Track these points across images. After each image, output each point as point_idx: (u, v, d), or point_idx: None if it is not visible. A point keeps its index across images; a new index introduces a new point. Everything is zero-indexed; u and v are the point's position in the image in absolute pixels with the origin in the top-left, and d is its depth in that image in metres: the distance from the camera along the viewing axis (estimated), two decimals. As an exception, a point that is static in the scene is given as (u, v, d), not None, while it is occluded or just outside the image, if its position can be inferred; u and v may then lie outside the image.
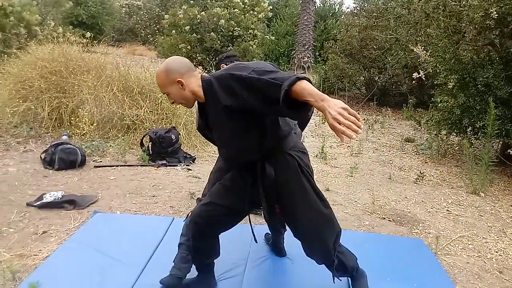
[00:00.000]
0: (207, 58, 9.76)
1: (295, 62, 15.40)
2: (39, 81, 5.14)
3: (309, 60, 15.15)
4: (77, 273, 2.30)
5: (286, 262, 2.67)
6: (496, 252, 3.08)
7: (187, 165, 4.56)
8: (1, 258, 2.52)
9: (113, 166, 4.33)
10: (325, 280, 2.48)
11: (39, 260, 2.53)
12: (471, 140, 5.27)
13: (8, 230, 2.87)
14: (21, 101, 5.06)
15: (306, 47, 15.16)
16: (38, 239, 2.77)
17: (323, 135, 6.39)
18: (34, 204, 3.24)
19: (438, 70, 5.40)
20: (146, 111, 5.21)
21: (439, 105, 5.35)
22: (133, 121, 5.17)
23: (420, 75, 5.53)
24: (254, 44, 10.28)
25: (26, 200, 3.33)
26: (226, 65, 2.78)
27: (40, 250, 2.64)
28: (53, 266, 2.36)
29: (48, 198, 3.27)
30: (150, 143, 4.61)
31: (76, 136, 4.91)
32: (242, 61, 2.84)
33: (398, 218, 3.54)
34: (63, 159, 4.10)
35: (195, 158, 4.79)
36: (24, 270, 2.40)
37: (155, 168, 4.39)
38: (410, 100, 8.24)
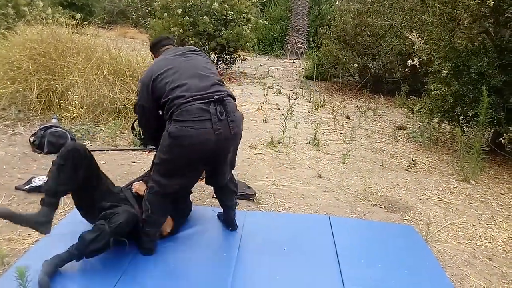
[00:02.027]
0: (200, 42, 9.62)
1: (289, 47, 15.30)
2: (28, 63, 5.03)
3: (303, 46, 15.05)
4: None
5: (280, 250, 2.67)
6: (486, 239, 3.11)
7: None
8: (-11, 242, 2.49)
9: (104, 150, 4.28)
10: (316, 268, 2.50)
11: (28, 245, 2.51)
12: (463, 128, 5.29)
13: (-4, 214, 2.83)
14: (9, 83, 4.95)
15: (299, 32, 15.04)
16: (27, 223, 2.73)
17: (315, 121, 6.37)
18: (23, 188, 3.19)
19: (432, 58, 5.37)
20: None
21: (432, 93, 5.34)
22: (124, 105, 5.09)
23: (414, 63, 5.50)
24: (248, 28, 10.13)
25: (14, 184, 3.28)
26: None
27: (29, 234, 2.61)
28: (42, 251, 2.33)
29: (37, 182, 3.22)
30: (142, 127, 4.55)
31: (66, 120, 4.83)
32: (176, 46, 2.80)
33: (390, 205, 3.56)
34: (53, 143, 4.04)
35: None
36: (12, 255, 2.38)
37: (147, 152, 4.35)
38: (403, 88, 8.23)
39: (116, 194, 2.58)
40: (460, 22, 4.80)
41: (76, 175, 2.28)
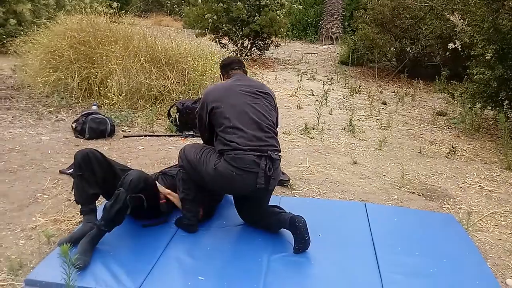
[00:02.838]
0: (234, 29, 9.61)
1: (323, 32, 15.03)
2: (69, 51, 5.20)
3: (338, 31, 14.74)
4: (110, 236, 2.36)
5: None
6: (530, 229, 2.99)
7: (213, 136, 4.56)
8: (37, 223, 2.63)
9: (142, 136, 4.39)
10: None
11: (72, 225, 2.62)
12: (508, 114, 5.05)
13: (42, 196, 2.98)
14: (51, 71, 5.15)
15: (334, 17, 14.74)
16: (71, 205, 2.86)
17: (351, 107, 6.26)
18: (67, 171, 3.34)
19: (475, 40, 5.13)
20: (173, 81, 5.21)
21: (475, 77, 5.12)
22: (160, 91, 5.19)
23: (456, 46, 5.28)
24: (281, 13, 10.01)
25: (59, 168, 3.43)
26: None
27: (73, 215, 2.73)
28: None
29: (79, 166, 3.35)
30: (177, 113, 4.63)
31: (105, 106, 4.98)
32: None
33: (428, 193, 3.47)
34: (93, 129, 4.18)
35: (221, 129, 4.79)
36: (58, 235, 2.49)
37: (182, 138, 4.43)
38: (444, 72, 7.92)
39: None
40: (505, 2, 4.56)
41: (96, 176, 2.45)
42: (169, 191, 2.71)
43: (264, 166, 2.34)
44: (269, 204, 2.63)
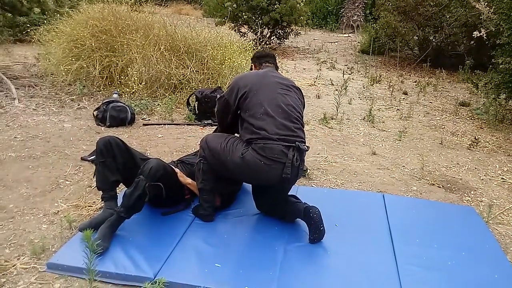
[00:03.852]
0: (253, 17, 9.55)
1: (344, 21, 14.81)
2: (90, 40, 5.27)
3: (359, 19, 14.50)
4: (129, 223, 2.42)
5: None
6: (555, 224, 2.91)
7: (232, 125, 4.58)
8: (59, 208, 2.70)
9: (161, 124, 4.44)
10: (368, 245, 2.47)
11: (93, 211, 2.68)
12: (534, 105, 4.91)
13: (64, 182, 3.05)
14: (74, 59, 5.23)
15: (356, 4, 14.48)
16: (92, 191, 2.93)
17: (371, 97, 6.17)
18: (88, 158, 3.41)
19: (501, 29, 4.97)
20: (192, 70, 5.23)
21: (500, 67, 4.97)
22: (180, 80, 5.22)
23: (481, 34, 5.12)
24: (302, 1, 9.90)
25: (80, 155, 3.50)
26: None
27: (94, 202, 2.79)
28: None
29: (100, 153, 3.42)
30: (196, 102, 4.66)
31: (126, 95, 5.04)
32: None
33: (449, 185, 3.41)
34: (114, 117, 4.25)
35: (240, 118, 4.80)
36: (79, 220, 2.56)
37: (201, 127, 4.46)
38: (468, 62, 7.72)
39: None
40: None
41: (117, 163, 2.49)
42: (190, 180, 2.74)
43: (291, 156, 2.34)
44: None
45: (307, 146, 2.49)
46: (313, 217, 2.39)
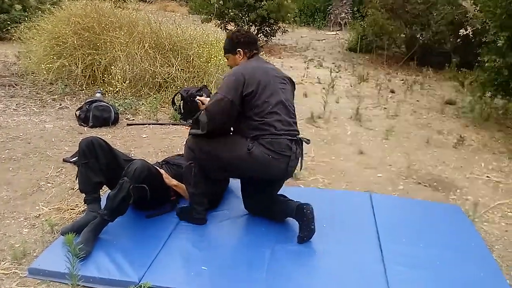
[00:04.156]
0: (240, 14, 9.50)
1: (331, 18, 14.80)
2: (73, 38, 5.16)
3: (347, 16, 14.50)
4: (113, 226, 2.36)
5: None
6: (539, 221, 2.93)
7: (218, 124, 4.53)
8: (40, 211, 2.63)
9: (145, 124, 4.37)
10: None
11: (75, 214, 2.62)
12: (518, 103, 4.96)
13: (46, 185, 2.98)
14: (55, 58, 5.12)
15: (343, 1, 14.47)
16: (74, 194, 2.86)
17: (358, 96, 6.17)
18: (71, 160, 3.33)
19: (487, 27, 5.03)
20: (178, 69, 5.16)
21: (486, 65, 5.01)
22: (165, 79, 5.14)
23: (467, 32, 5.16)
24: (289, -1, 9.88)
25: (62, 156, 3.43)
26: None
27: (76, 204, 2.73)
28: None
29: (83, 154, 3.34)
30: (182, 101, 4.59)
31: (109, 94, 4.95)
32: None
33: (435, 184, 3.42)
34: (97, 117, 4.17)
35: (226, 117, 4.75)
36: (61, 224, 2.50)
37: (187, 127, 4.39)
38: (454, 60, 7.76)
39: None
40: (520, -13, 4.42)
41: (100, 164, 2.43)
42: (175, 182, 2.69)
43: (295, 149, 2.40)
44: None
45: (307, 139, 2.52)
46: (306, 214, 2.37)
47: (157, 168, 2.64)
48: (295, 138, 2.42)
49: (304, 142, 2.50)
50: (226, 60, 2.71)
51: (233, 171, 2.50)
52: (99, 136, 2.55)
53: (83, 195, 2.45)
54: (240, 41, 2.54)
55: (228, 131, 2.52)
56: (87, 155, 2.41)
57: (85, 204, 2.46)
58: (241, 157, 2.34)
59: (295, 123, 2.51)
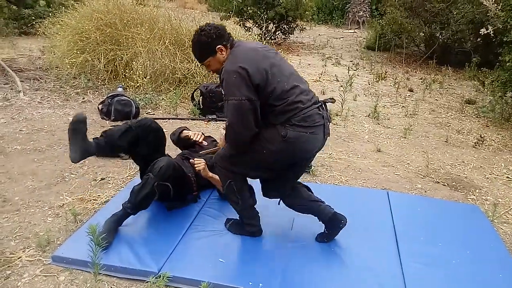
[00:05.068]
0: (258, 12, 9.51)
1: (349, 16, 14.70)
2: (95, 33, 5.26)
3: (365, 15, 14.39)
4: (135, 216, 2.42)
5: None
6: (560, 223, 2.89)
7: (236, 120, 4.57)
8: (64, 201, 2.71)
9: (165, 118, 4.44)
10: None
11: (98, 205, 2.69)
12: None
13: (70, 176, 3.06)
14: (78, 53, 5.23)
15: (362, 0, 14.37)
16: (97, 185, 2.94)
17: (376, 94, 6.14)
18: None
19: (509, 26, 4.93)
20: (197, 65, 5.21)
21: (507, 64, 4.93)
22: (185, 75, 5.21)
23: (488, 31, 5.08)
24: (307, -4, 9.86)
25: (85, 148, 3.50)
26: None
27: (99, 195, 2.80)
28: (111, 210, 2.47)
29: (105, 147, 3.42)
30: (201, 97, 4.65)
31: (131, 89, 5.04)
32: None
33: (453, 183, 3.39)
34: (119, 110, 4.25)
35: (244, 114, 4.78)
36: (84, 213, 2.58)
37: (205, 122, 4.45)
38: (474, 59, 7.64)
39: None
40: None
41: (136, 142, 2.44)
42: (211, 174, 2.67)
43: (325, 114, 2.25)
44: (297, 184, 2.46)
45: (332, 98, 2.42)
46: (339, 227, 2.38)
47: (180, 164, 2.67)
48: (320, 103, 2.24)
49: (329, 103, 2.35)
50: (207, 67, 2.32)
51: (279, 165, 2.27)
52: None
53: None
54: (213, 38, 2.17)
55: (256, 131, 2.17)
56: (138, 127, 2.43)
57: (93, 139, 2.35)
58: (279, 149, 2.14)
59: (309, 86, 2.31)
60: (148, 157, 2.48)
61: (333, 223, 2.37)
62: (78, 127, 2.23)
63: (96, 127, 4.04)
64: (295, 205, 2.44)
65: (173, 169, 2.40)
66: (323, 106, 2.27)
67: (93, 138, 2.35)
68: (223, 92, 2.18)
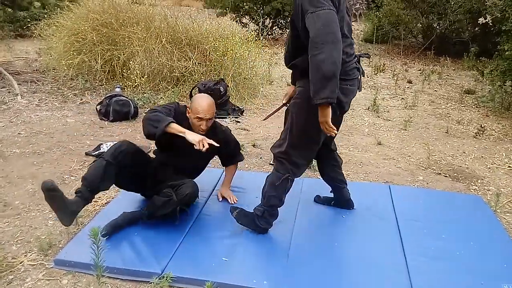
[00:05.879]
0: (254, 7, 9.47)
1: (346, 9, 14.65)
2: (92, 34, 5.23)
3: (361, 7, 14.32)
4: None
5: (337, 216, 2.65)
6: None
7: (235, 118, 4.56)
8: (65, 203, 2.69)
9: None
10: (376, 236, 2.46)
11: (99, 207, 2.68)
12: (541, 92, 4.85)
13: (69, 178, 3.05)
14: (75, 54, 5.21)
15: (358, -8, 14.30)
16: (97, 187, 2.92)
17: (375, 86, 6.12)
18: (93, 153, 3.40)
19: (507, 15, 4.90)
20: (195, 63, 5.20)
21: (506, 53, 4.91)
22: (182, 73, 5.19)
23: (486, 21, 5.06)
24: (304, -10, 9.79)
25: (85, 150, 3.50)
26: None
27: (99, 197, 2.78)
28: (112, 212, 2.47)
29: (105, 148, 3.42)
30: (199, 95, 4.62)
31: (128, 88, 5.02)
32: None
33: (455, 174, 3.38)
34: (117, 111, 4.23)
35: (243, 111, 4.77)
36: (85, 216, 2.56)
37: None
38: (473, 49, 7.62)
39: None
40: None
41: (121, 173, 2.36)
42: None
43: (360, 68, 2.19)
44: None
45: (367, 53, 2.37)
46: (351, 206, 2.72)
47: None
48: (356, 57, 2.18)
49: (365, 57, 2.30)
50: None
51: (314, 134, 2.18)
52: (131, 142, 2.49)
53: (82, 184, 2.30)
54: None
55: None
56: (115, 158, 2.31)
57: (75, 193, 2.27)
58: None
59: None
60: (136, 177, 2.51)
61: (347, 204, 2.68)
62: (51, 195, 2.12)
63: (95, 128, 4.03)
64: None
65: (197, 195, 2.45)
66: (359, 59, 2.22)
67: (76, 192, 2.26)
68: (302, 6, 1.89)
